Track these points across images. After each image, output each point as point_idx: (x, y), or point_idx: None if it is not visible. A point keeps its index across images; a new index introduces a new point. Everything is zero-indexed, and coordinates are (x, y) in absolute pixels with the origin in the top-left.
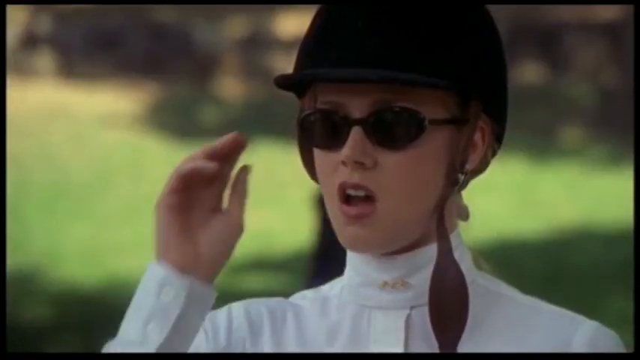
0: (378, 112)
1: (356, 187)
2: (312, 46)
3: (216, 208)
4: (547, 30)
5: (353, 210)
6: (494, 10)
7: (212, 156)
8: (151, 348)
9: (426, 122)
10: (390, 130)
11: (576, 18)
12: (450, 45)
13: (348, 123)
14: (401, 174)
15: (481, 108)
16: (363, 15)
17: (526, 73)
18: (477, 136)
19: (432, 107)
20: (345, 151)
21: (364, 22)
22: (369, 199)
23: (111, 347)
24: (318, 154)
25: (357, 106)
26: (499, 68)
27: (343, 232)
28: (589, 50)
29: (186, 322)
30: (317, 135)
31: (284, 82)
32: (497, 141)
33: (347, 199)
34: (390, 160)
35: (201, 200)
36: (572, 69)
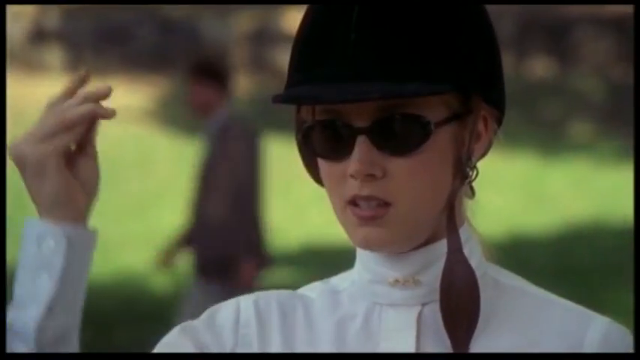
0: (383, 120)
1: (368, 199)
2: (305, 61)
3: (75, 151)
4: (556, 25)
5: (367, 212)
6: (503, 6)
7: (85, 98)
8: (44, 301)
9: (432, 126)
10: (397, 138)
11: (586, 13)
12: (445, 47)
13: (353, 132)
14: (411, 180)
15: (482, 99)
16: (354, 26)
17: (535, 68)
18: (480, 125)
19: (434, 108)
20: (354, 165)
21: (357, 34)
22: (383, 204)
23: (11, 311)
24: (322, 163)
25: (359, 115)
26: (494, 56)
27: (356, 233)
28: (599, 45)
29: (73, 269)
30: (321, 147)
31: (284, 102)
32: (498, 124)
33: (359, 205)
34: (399, 167)
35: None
36: (581, 64)
